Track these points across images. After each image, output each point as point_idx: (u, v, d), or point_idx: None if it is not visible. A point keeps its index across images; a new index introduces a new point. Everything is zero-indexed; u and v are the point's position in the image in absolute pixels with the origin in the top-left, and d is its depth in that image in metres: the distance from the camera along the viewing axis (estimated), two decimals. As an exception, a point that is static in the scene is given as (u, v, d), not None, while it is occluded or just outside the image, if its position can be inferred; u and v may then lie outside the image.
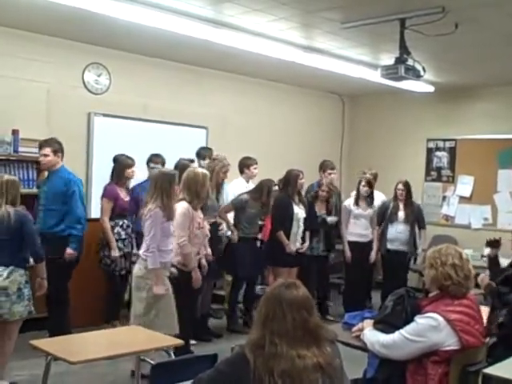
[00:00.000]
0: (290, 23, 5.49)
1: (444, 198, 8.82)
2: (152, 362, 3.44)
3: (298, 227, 6.49)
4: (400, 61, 5.26)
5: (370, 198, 7.15)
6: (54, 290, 4.94)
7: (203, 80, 7.67)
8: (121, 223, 6.02)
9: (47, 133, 5.76)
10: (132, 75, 6.98)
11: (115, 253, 5.87)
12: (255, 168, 6.90)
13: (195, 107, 7.55)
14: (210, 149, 6.84)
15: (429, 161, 8.99)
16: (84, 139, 6.65)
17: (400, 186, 7.17)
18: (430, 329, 2.91)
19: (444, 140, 8.83)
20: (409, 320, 3.02)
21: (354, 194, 7.25)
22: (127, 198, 6.09)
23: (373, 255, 7.16)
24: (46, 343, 3.38)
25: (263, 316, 2.19)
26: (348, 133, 9.77)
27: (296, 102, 8.90)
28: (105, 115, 6.74)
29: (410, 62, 5.27)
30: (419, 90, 7.89)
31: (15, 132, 5.92)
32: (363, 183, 7.08)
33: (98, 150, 6.64)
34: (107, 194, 6.02)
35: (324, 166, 7.55)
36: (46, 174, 5.68)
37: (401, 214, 7.15)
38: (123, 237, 6.01)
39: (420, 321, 2.95)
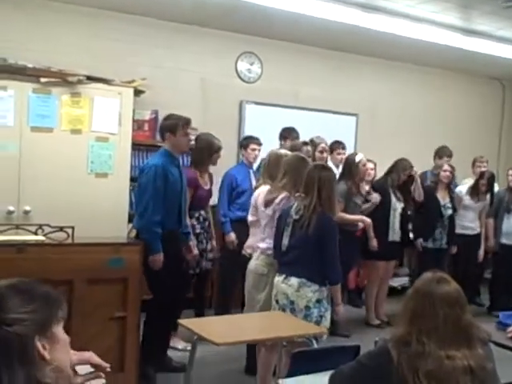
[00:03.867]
0: (446, 4, 5.24)
1: None
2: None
3: (394, 218, 5.97)
4: None
5: (485, 192, 6.55)
6: None
7: (353, 66, 7.52)
8: None
9: (202, 120, 5.99)
10: (283, 63, 7.02)
11: None
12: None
13: (345, 94, 7.43)
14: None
15: None
16: (236, 127, 6.81)
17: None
18: None
19: None
20: None
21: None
22: None
23: (481, 253, 6.60)
24: (193, 323, 3.43)
25: (411, 311, 2.08)
26: (508, 121, 9.10)
27: (449, 88, 8.36)
28: (256, 103, 6.86)
29: None
30: None
31: (172, 119, 6.20)
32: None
33: (249, 137, 6.77)
34: None
35: (441, 153, 7.00)
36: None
37: None
38: None
39: None
